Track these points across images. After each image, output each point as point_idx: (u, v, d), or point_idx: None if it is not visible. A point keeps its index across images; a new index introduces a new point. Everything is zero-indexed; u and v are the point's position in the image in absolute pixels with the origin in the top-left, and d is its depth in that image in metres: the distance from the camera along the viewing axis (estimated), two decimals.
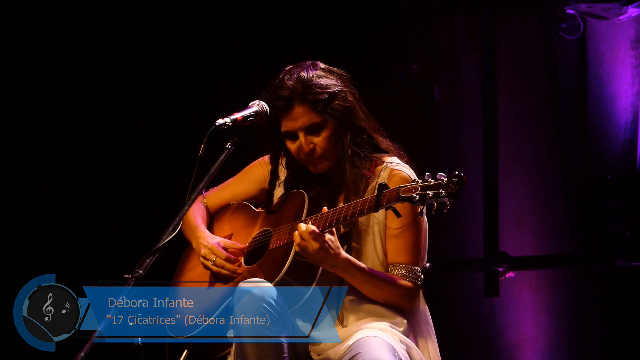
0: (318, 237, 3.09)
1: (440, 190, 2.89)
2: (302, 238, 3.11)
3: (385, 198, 3.00)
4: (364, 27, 5.61)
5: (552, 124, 5.84)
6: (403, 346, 3.17)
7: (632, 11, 5.54)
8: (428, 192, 2.90)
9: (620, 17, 5.57)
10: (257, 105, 3.26)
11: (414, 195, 2.92)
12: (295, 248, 3.15)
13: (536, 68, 5.85)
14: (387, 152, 3.39)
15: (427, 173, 2.95)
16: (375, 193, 3.20)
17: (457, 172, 2.89)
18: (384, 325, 3.20)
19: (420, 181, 2.95)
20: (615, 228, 5.56)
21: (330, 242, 3.11)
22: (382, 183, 3.02)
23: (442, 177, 2.92)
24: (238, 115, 3.20)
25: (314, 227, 3.09)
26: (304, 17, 5.51)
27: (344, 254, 3.16)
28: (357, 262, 3.19)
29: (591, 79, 5.74)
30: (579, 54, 5.77)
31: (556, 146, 5.82)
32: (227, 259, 3.36)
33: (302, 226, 3.11)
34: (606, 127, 5.70)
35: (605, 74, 5.71)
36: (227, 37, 5.46)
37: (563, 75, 5.82)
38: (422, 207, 2.92)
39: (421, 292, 3.32)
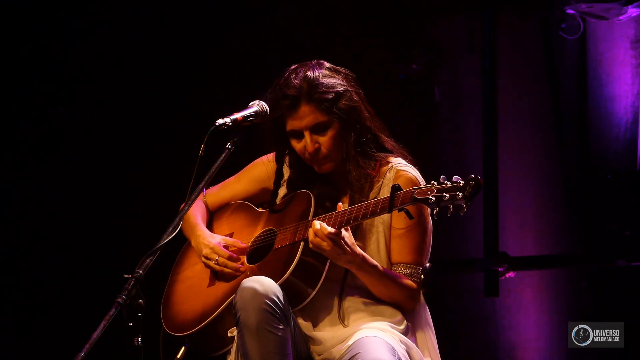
0: (333, 235, 3.10)
1: (457, 193, 2.89)
2: (316, 235, 3.11)
3: (400, 199, 3.00)
4: (364, 26, 5.61)
5: (552, 124, 5.84)
6: (403, 346, 3.17)
7: (632, 11, 5.54)
8: (445, 194, 2.90)
9: (620, 17, 5.57)
10: (257, 105, 3.27)
11: (430, 197, 2.92)
12: (301, 246, 3.16)
13: (536, 68, 5.85)
14: (392, 152, 3.39)
15: (442, 176, 2.95)
16: (382, 193, 3.21)
17: (473, 175, 2.90)
18: (384, 325, 3.20)
19: (435, 183, 2.95)
20: (615, 228, 5.56)
21: (346, 239, 3.12)
22: (395, 185, 3.02)
23: (459, 180, 2.92)
24: (238, 115, 3.21)
25: (329, 228, 3.10)
26: (304, 16, 5.52)
27: (359, 250, 3.16)
28: (371, 259, 3.19)
29: (591, 79, 5.73)
30: (579, 54, 5.77)
31: (556, 146, 5.82)
32: (229, 258, 3.35)
33: (317, 224, 3.11)
34: (606, 127, 5.70)
35: (605, 74, 5.71)
36: (227, 37, 5.47)
37: (563, 75, 5.82)
38: (436, 209, 2.92)
39: (421, 292, 3.33)
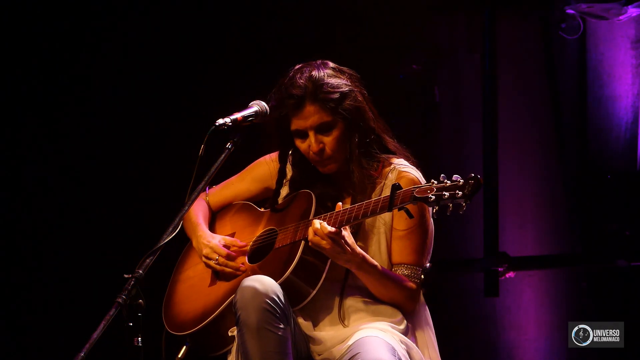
0: (333, 234, 3.10)
1: (457, 192, 2.90)
2: (315, 234, 3.11)
3: (400, 198, 3.01)
4: (364, 26, 5.61)
5: (552, 124, 5.84)
6: (403, 346, 3.17)
7: (632, 11, 5.55)
8: (444, 193, 2.91)
9: (620, 17, 5.57)
10: (257, 105, 3.27)
11: (430, 195, 2.93)
12: (301, 246, 3.16)
13: (536, 68, 5.85)
14: (394, 154, 3.39)
15: (442, 174, 2.96)
16: (383, 194, 3.21)
17: (473, 174, 2.91)
18: (384, 325, 3.21)
19: (435, 182, 2.96)
20: (615, 228, 5.56)
21: (345, 238, 3.12)
22: (395, 183, 3.03)
23: (458, 179, 2.92)
24: (238, 115, 3.21)
25: (329, 227, 3.10)
26: (304, 16, 5.51)
27: (359, 250, 3.17)
28: (371, 259, 3.20)
29: (591, 79, 5.73)
30: (579, 54, 5.77)
31: (556, 146, 5.82)
32: (228, 257, 3.36)
33: (317, 223, 3.12)
34: (606, 127, 5.70)
35: (605, 74, 5.71)
36: (227, 37, 5.46)
37: (563, 75, 5.82)
38: (436, 207, 2.92)
39: (421, 292, 3.33)
